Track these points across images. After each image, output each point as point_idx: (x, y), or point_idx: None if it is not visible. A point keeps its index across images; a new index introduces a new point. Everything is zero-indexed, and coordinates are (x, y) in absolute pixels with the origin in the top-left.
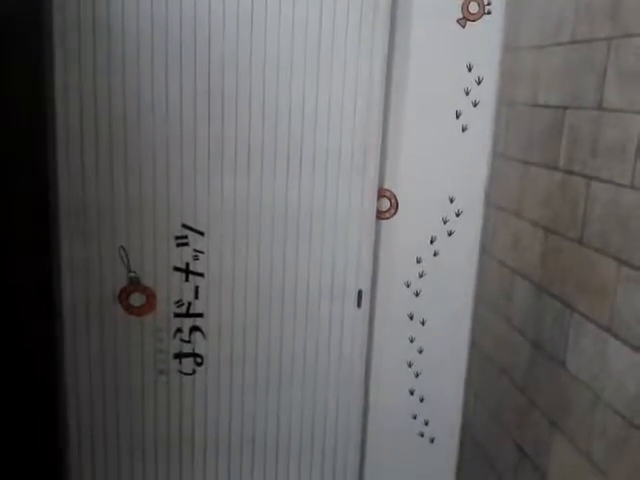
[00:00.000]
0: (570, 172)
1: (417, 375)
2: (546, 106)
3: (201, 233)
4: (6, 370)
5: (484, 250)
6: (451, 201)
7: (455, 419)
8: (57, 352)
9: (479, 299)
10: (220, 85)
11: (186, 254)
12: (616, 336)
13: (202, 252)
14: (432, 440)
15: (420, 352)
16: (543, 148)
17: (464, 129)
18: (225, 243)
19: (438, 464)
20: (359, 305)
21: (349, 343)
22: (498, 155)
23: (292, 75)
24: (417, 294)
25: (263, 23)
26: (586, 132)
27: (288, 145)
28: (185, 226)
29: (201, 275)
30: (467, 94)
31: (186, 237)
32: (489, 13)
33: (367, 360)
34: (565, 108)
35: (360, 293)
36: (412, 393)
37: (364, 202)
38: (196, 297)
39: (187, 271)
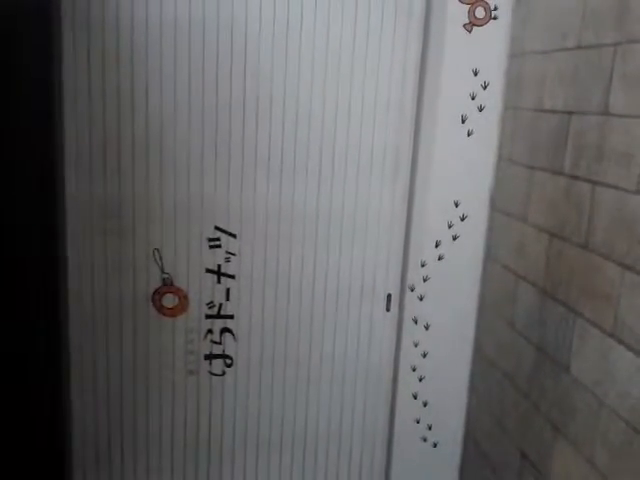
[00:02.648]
0: (575, 177)
1: (421, 379)
2: (552, 111)
3: (233, 235)
4: (15, 370)
5: (488, 255)
6: (456, 205)
7: (458, 424)
8: (62, 356)
9: (483, 304)
10: (255, 90)
11: (218, 256)
12: (620, 341)
13: (234, 254)
14: (435, 445)
15: (424, 356)
16: (548, 153)
17: (469, 134)
18: (257, 246)
19: (441, 468)
20: (388, 309)
21: (377, 346)
22: (503, 160)
23: (326, 81)
24: (421, 298)
25: (299, 29)
26: (591, 137)
27: (320, 150)
28: (218, 228)
29: (232, 277)
30: (473, 99)
31: (219, 239)
32: (495, 18)
33: (395, 363)
34: (571, 113)
35: (389, 297)
36: (415, 397)
37: (395, 207)
38: (227, 299)
39: (219, 273)
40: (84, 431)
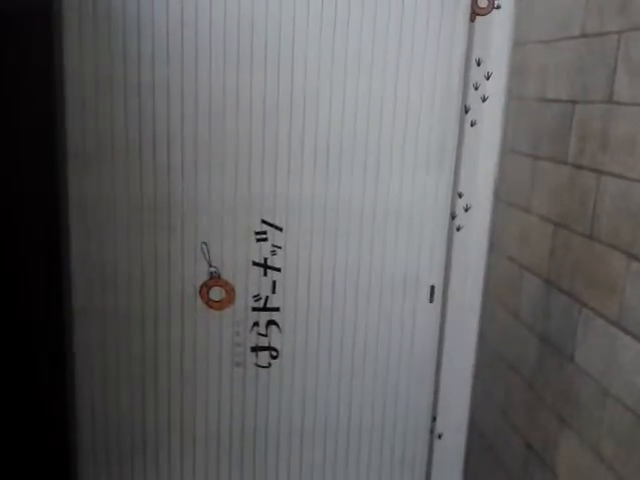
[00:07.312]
0: (580, 166)
1: None
2: (555, 100)
3: (280, 229)
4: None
5: (492, 245)
6: (460, 196)
7: (463, 415)
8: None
9: (487, 294)
10: (302, 86)
11: (265, 249)
12: (625, 331)
13: (280, 247)
14: (440, 436)
15: None
16: (552, 143)
17: (473, 124)
18: (302, 239)
19: (446, 460)
20: (431, 300)
21: (420, 337)
22: (507, 150)
23: (372, 76)
24: None
25: (345, 24)
26: (596, 126)
27: (366, 144)
28: (265, 222)
29: (278, 270)
30: (476, 89)
31: (265, 233)
32: (498, 7)
33: (438, 354)
34: (575, 102)
35: (432, 288)
36: None
37: (438, 200)
38: (273, 291)
39: (265, 266)
40: (131, 426)
